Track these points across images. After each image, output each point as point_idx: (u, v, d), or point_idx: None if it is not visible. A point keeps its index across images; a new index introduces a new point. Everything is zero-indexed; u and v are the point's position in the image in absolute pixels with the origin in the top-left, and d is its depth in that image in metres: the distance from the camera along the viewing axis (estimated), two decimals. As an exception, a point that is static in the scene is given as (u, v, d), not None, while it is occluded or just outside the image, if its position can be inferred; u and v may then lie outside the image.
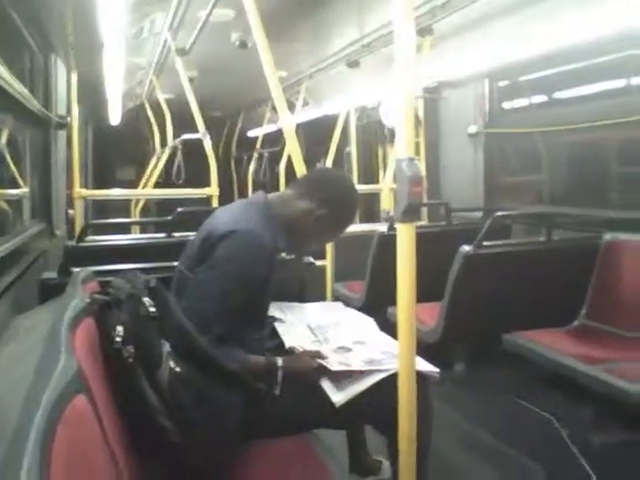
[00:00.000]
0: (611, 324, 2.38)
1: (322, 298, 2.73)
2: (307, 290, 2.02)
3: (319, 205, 1.54)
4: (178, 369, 1.18)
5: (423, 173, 1.18)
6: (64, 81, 3.42)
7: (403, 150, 1.18)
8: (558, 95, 3.52)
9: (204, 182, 3.95)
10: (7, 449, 0.61)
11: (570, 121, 3.11)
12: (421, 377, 1.35)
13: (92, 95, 5.05)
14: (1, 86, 1.82)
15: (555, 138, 3.40)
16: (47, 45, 3.00)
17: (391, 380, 1.30)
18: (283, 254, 1.93)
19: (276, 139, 6.98)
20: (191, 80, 3.99)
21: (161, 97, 5.02)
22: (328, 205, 1.55)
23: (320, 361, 1.42)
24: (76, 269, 1.64)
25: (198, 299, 1.42)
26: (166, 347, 1.20)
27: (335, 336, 1.64)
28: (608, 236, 2.51)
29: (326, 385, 1.39)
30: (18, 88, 2.08)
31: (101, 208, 6.30)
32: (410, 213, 1.18)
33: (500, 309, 2.35)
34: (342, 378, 1.39)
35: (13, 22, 2.40)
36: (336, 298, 2.94)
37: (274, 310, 1.76)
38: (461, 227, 3.15)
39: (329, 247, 3.02)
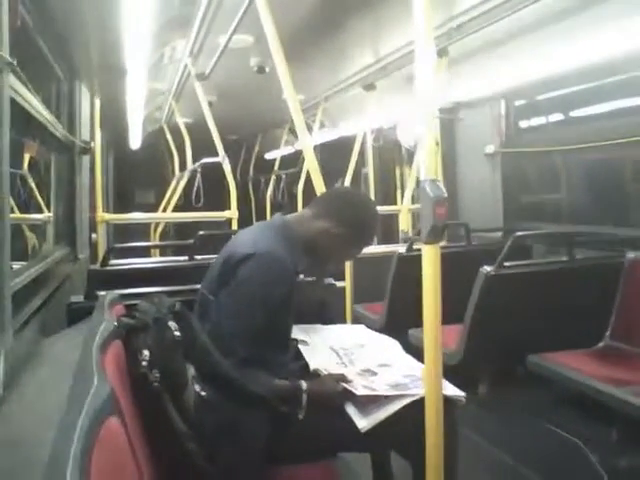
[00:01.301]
0: (637, 345, 2.34)
1: (342, 319, 2.72)
2: (327, 312, 2.02)
3: (337, 224, 1.55)
4: (203, 393, 1.19)
5: (446, 194, 1.18)
6: (88, 107, 3.50)
7: (426, 172, 1.19)
8: (575, 114, 3.51)
9: (222, 205, 4.00)
10: (48, 470, 0.62)
11: (588, 139, 3.10)
12: (447, 402, 1.34)
13: (114, 120, 5.16)
14: (30, 112, 1.87)
15: (573, 156, 3.38)
16: (72, 72, 3.09)
17: (417, 405, 1.29)
18: (302, 276, 1.94)
19: (293, 161, 7.04)
20: (210, 104, 4.06)
21: (180, 121, 5.10)
22: (346, 224, 1.55)
23: (345, 385, 1.41)
24: (101, 292, 1.67)
25: (221, 323, 1.43)
26: (191, 371, 1.21)
27: (360, 358, 1.62)
28: (632, 254, 2.48)
29: (351, 410, 1.37)
30: (45, 114, 2.14)
31: (121, 231, 6.38)
32: (435, 234, 1.18)
33: (523, 330, 2.32)
34: (367, 403, 1.37)
35: (40, 49, 2.48)
36: (356, 319, 2.93)
37: (297, 332, 1.75)
38: (481, 247, 3.14)
39: (348, 268, 3.02)
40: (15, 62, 1.27)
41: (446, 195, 1.16)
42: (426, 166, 1.17)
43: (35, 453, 0.71)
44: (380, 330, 1.95)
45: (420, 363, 1.38)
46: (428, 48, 1.20)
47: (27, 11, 2.02)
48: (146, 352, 1.16)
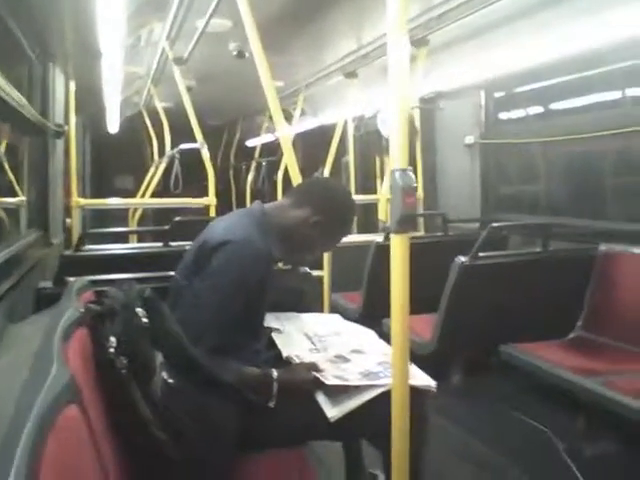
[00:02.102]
0: (608, 336, 2.38)
1: (320, 309, 2.72)
2: (305, 301, 2.01)
3: (314, 213, 1.54)
4: (171, 380, 1.17)
5: (416, 184, 1.18)
6: (62, 90, 3.43)
7: (397, 161, 1.18)
8: (554, 106, 3.53)
9: (202, 191, 3.96)
10: None
11: (566, 132, 3.13)
12: (417, 391, 1.34)
13: (90, 104, 5.06)
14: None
15: (552, 149, 3.41)
16: (45, 54, 3.01)
17: (387, 393, 1.29)
18: (280, 265, 1.93)
19: (274, 148, 6.99)
20: (189, 89, 4.01)
21: (159, 106, 5.03)
22: (323, 213, 1.55)
23: (316, 374, 1.41)
24: (71, 278, 1.64)
25: (193, 309, 1.42)
26: (159, 358, 1.20)
27: (334, 344, 1.62)
28: (604, 247, 2.52)
29: (321, 399, 1.37)
30: (15, 96, 2.08)
31: (99, 217, 6.30)
32: (404, 224, 1.18)
33: (496, 320, 2.35)
34: (338, 392, 1.37)
35: (11, 31, 2.41)
36: (334, 308, 2.94)
37: (271, 320, 1.75)
38: (458, 238, 3.16)
39: (326, 257, 3.02)
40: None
41: (415, 185, 1.16)
42: (397, 155, 1.16)
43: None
44: (357, 319, 1.95)
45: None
46: (401, 38, 1.19)
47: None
48: (113, 339, 1.14)
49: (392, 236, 1.19)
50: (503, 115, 3.94)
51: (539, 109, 3.68)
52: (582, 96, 3.25)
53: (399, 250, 1.17)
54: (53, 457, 0.66)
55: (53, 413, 0.72)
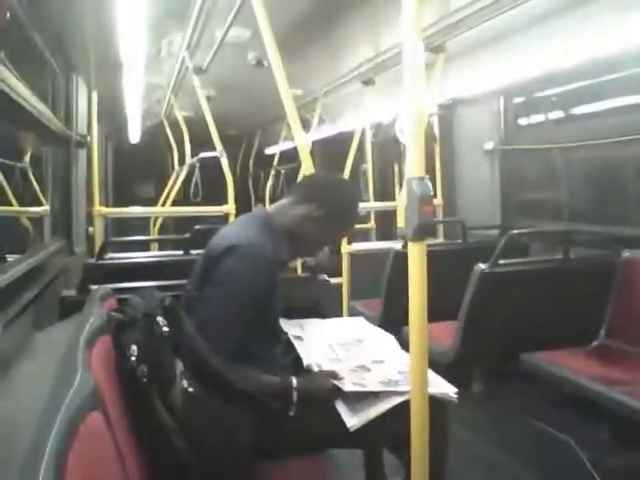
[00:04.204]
0: (631, 344, 2.34)
1: (336, 316, 2.72)
2: (323, 308, 2.02)
3: (317, 207, 1.55)
4: (191, 389, 1.18)
5: (432, 192, 1.18)
6: (85, 100, 3.49)
7: (413, 169, 1.18)
8: (574, 111, 3.50)
9: (222, 199, 3.99)
10: (22, 465, 0.62)
11: (587, 137, 3.09)
12: (438, 400, 1.33)
13: (112, 114, 5.15)
14: (24, 107, 1.86)
15: (572, 154, 3.37)
16: (68, 65, 3.08)
17: (408, 402, 1.29)
18: (299, 273, 1.94)
19: (293, 156, 7.01)
20: (209, 99, 4.05)
21: (179, 115, 5.09)
22: (325, 205, 1.55)
23: (335, 382, 1.41)
24: (95, 286, 1.67)
25: (206, 318, 1.41)
26: (179, 366, 1.21)
27: (355, 354, 1.62)
28: (627, 253, 2.47)
29: (341, 408, 1.37)
30: (40, 108, 2.13)
31: (120, 226, 6.38)
32: (421, 232, 1.18)
33: (517, 328, 2.32)
34: (357, 401, 1.37)
35: (35, 43, 2.47)
36: (352, 316, 2.93)
37: (292, 327, 1.75)
38: (477, 245, 3.13)
39: (345, 265, 3.02)
40: (3, 54, 1.26)
41: (432, 193, 1.15)
42: (413, 163, 1.16)
43: (11, 448, 0.71)
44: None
45: None
46: (416, 45, 1.19)
47: (21, 5, 2.01)
48: (134, 347, 1.15)
49: (409, 244, 1.18)
50: (523, 121, 3.91)
51: (559, 114, 3.64)
52: (603, 100, 3.21)
53: (417, 258, 1.17)
54: (78, 464, 0.67)
55: (77, 420, 0.74)
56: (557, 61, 2.96)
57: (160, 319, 1.22)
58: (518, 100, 3.86)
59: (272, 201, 7.31)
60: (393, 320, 2.60)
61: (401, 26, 1.20)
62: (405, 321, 1.27)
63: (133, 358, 1.13)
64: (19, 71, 1.66)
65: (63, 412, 0.73)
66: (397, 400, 1.34)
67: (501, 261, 2.29)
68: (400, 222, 4.07)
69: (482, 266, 2.27)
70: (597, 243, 2.83)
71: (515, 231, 2.49)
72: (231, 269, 1.42)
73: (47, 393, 0.81)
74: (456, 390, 1.40)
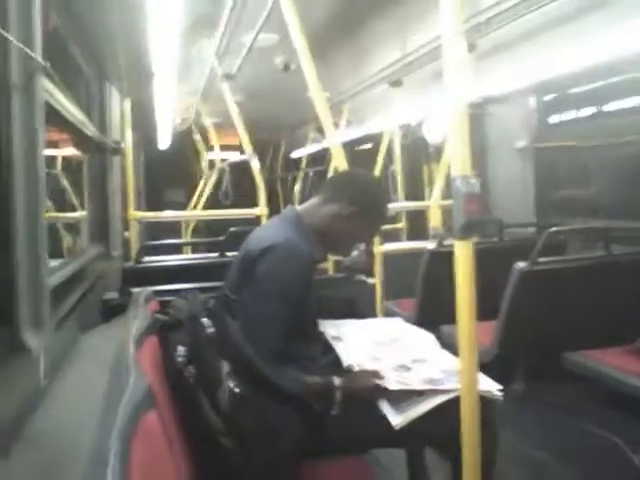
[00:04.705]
0: (677, 342, 2.27)
1: (372, 316, 2.71)
2: (360, 308, 2.01)
3: (346, 205, 1.55)
4: (237, 390, 1.19)
5: (478, 190, 1.17)
6: (118, 108, 3.56)
7: (458, 167, 1.17)
8: (607, 107, 3.43)
9: (251, 202, 4.02)
10: (89, 465, 0.63)
11: (621, 133, 3.02)
12: (485, 399, 1.31)
13: (143, 120, 5.24)
14: (63, 114, 1.90)
15: (607, 150, 3.30)
16: (102, 74, 3.14)
17: (453, 401, 1.27)
18: (335, 274, 1.93)
19: (320, 158, 7.04)
20: (237, 104, 4.09)
21: (208, 121, 5.15)
22: (354, 203, 1.55)
23: (378, 381, 1.40)
24: (135, 289, 1.69)
25: (246, 320, 1.41)
26: (225, 368, 1.22)
27: (394, 353, 1.60)
28: (670, 249, 2.41)
29: (385, 406, 1.35)
30: (78, 116, 2.18)
31: (152, 230, 6.48)
32: (467, 230, 1.17)
33: (558, 327, 2.27)
34: (402, 400, 1.35)
35: (71, 53, 2.53)
36: (387, 315, 2.92)
37: (330, 327, 1.75)
38: (514, 243, 3.08)
39: (378, 265, 3.01)
40: (48, 66, 1.29)
41: (477, 191, 1.14)
42: (457, 162, 1.15)
43: (76, 447, 0.72)
44: (411, 326, 1.92)
45: (456, 357, 1.35)
46: (457, 43, 1.18)
47: (58, 16, 2.06)
48: (181, 348, 1.17)
49: (456, 242, 1.17)
50: (555, 118, 3.84)
51: (592, 110, 3.57)
52: (636, 96, 3.14)
53: (464, 256, 1.16)
54: (139, 462, 0.68)
55: (135, 420, 0.75)
56: (588, 58, 2.90)
57: (205, 321, 1.23)
58: (549, 97, 3.80)
59: (301, 203, 7.35)
60: (429, 319, 2.59)
61: (435, 25, 1.19)
62: (442, 320, 1.26)
63: (181, 359, 1.15)
64: (58, 80, 1.70)
65: (121, 412, 0.74)
66: (442, 398, 1.32)
67: (541, 259, 2.25)
68: (433, 222, 4.05)
69: (522, 264, 2.24)
70: (636, 240, 2.76)
71: (555, 228, 2.44)
72: (269, 270, 1.42)
73: (102, 394, 0.83)
74: (501, 387, 1.38)
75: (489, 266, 2.21)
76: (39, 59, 1.25)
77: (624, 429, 2.17)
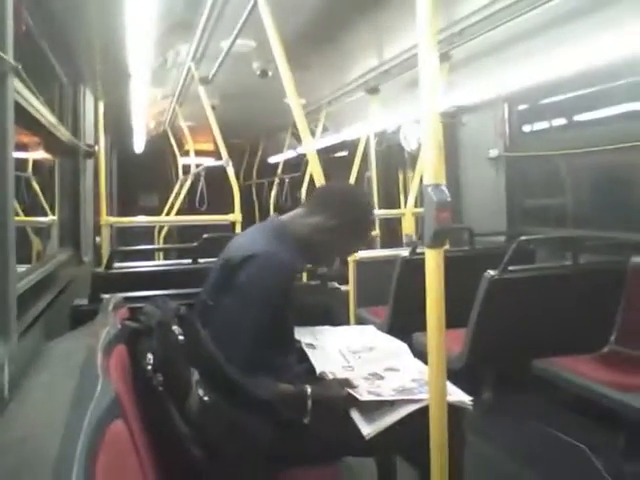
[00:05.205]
0: (642, 350, 2.33)
1: (346, 323, 2.72)
2: (334, 316, 2.01)
3: (330, 217, 1.56)
4: (206, 398, 1.18)
5: (449, 199, 1.18)
6: (92, 111, 3.52)
7: (430, 175, 1.18)
8: (579, 118, 3.50)
9: (226, 209, 4.00)
10: (53, 474, 0.62)
11: (592, 143, 3.09)
12: (454, 408, 1.33)
13: (117, 123, 5.18)
14: (34, 116, 1.87)
15: (578, 160, 3.38)
16: (76, 76, 3.10)
17: (423, 410, 1.28)
18: (309, 281, 1.94)
19: (296, 165, 7.05)
20: (213, 108, 4.07)
21: (184, 125, 5.11)
22: (338, 216, 1.56)
23: (350, 390, 1.40)
24: (105, 295, 1.67)
25: (223, 326, 1.41)
26: (195, 375, 1.20)
27: (367, 362, 1.61)
28: (636, 259, 2.46)
29: (356, 416, 1.36)
30: (49, 118, 2.15)
31: (124, 235, 6.40)
32: (438, 239, 1.18)
33: (527, 335, 2.31)
34: (372, 409, 1.36)
35: (44, 53, 2.49)
36: (359, 323, 2.93)
37: (304, 334, 1.75)
38: (484, 252, 3.13)
39: (352, 272, 3.02)
40: (20, 67, 1.27)
41: (449, 199, 1.16)
42: (429, 170, 1.17)
43: (40, 456, 0.71)
44: (384, 334, 1.94)
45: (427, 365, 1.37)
46: (431, 52, 1.20)
47: (31, 16, 2.03)
48: (150, 356, 1.15)
49: (426, 250, 1.18)
50: (527, 127, 3.92)
51: (563, 121, 3.65)
52: (606, 107, 3.22)
53: (433, 264, 1.17)
54: (105, 472, 0.67)
55: (102, 429, 0.74)
56: (561, 68, 2.97)
57: (175, 328, 1.22)
58: (522, 107, 3.87)
59: (276, 209, 7.36)
60: (402, 327, 2.60)
61: (413, 33, 1.21)
62: (415, 328, 1.27)
63: (149, 367, 1.13)
64: (29, 81, 1.67)
65: (89, 420, 0.73)
66: (412, 408, 1.33)
67: (510, 267, 2.29)
68: (406, 229, 4.08)
69: (492, 272, 2.27)
70: (605, 249, 2.83)
71: (524, 237, 2.49)
72: (250, 278, 1.42)
73: (69, 402, 0.82)
74: (471, 398, 1.39)
75: (460, 274, 2.24)
76: (10, 60, 1.23)
77: (590, 436, 2.21)
